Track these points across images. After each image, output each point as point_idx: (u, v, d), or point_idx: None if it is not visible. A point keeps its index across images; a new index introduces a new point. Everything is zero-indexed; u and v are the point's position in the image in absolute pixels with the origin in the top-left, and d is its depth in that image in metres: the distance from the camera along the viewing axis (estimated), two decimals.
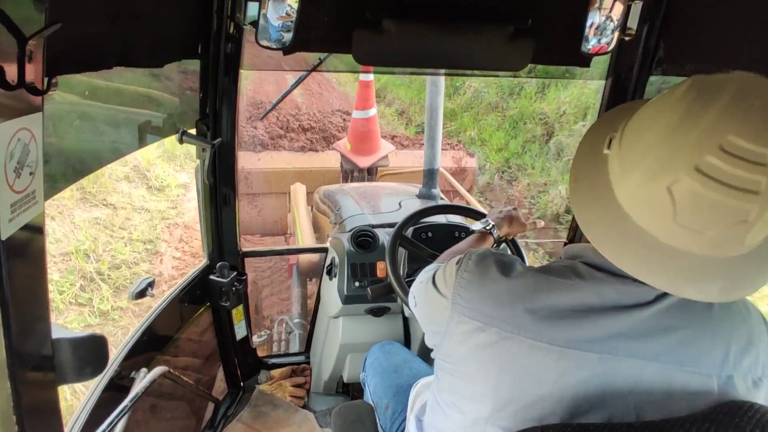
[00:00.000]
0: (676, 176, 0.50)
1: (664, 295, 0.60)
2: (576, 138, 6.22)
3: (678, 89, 0.55)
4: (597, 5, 1.38)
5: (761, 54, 1.12)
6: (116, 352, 1.28)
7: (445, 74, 2.49)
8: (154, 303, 1.49)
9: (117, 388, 1.21)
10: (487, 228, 1.25)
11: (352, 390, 2.07)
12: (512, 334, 0.61)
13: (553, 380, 0.60)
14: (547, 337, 0.60)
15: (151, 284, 1.40)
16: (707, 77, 0.54)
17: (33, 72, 0.55)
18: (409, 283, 1.41)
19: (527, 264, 0.77)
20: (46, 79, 0.59)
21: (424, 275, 0.88)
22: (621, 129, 0.59)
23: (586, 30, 1.39)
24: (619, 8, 1.39)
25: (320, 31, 1.27)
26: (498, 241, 1.27)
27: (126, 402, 1.11)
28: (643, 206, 0.55)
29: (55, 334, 0.67)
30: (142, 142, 1.24)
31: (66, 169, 0.92)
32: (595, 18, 1.40)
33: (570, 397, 0.60)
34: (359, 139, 4.41)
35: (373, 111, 4.41)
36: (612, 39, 1.44)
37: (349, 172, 4.53)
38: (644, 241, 0.55)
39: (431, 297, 0.77)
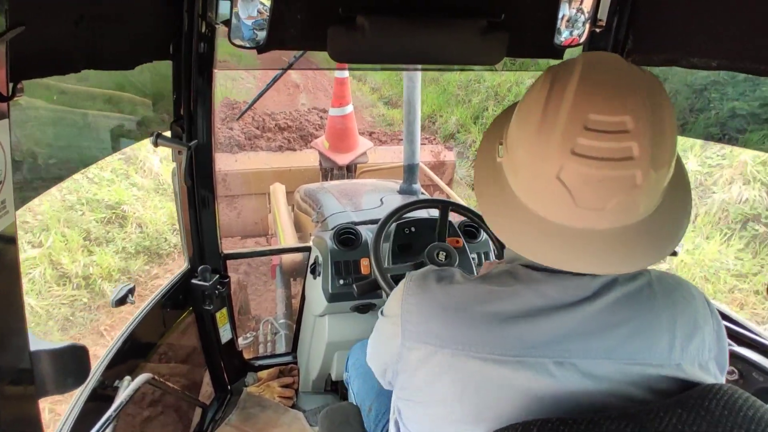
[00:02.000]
0: (560, 164, 0.53)
1: (604, 289, 0.62)
2: None
3: (536, 84, 0.58)
4: None
5: (725, 43, 1.16)
6: (98, 361, 1.25)
7: (422, 69, 2.50)
8: (136, 310, 1.46)
9: (100, 398, 1.19)
10: None
11: (340, 388, 2.07)
12: (464, 352, 0.61)
13: (514, 391, 0.59)
14: (499, 349, 0.60)
15: (131, 291, 1.37)
16: (558, 66, 0.58)
17: None
18: (395, 278, 1.41)
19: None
20: (10, 85, 0.57)
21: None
22: (506, 134, 0.62)
23: (559, 22, 1.42)
24: (589, 0, 1.42)
25: (294, 29, 1.26)
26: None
27: (110, 412, 1.09)
28: (545, 201, 0.57)
29: (33, 346, 0.65)
30: (116, 147, 1.21)
31: (37, 176, 0.89)
32: (566, 10, 1.42)
33: (536, 406, 0.59)
34: (337, 137, 4.40)
35: (349, 108, 4.40)
36: (583, 31, 1.47)
37: (329, 170, 4.51)
38: (556, 232, 0.57)
39: (381, 330, 0.75)
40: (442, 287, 0.66)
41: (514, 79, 7.38)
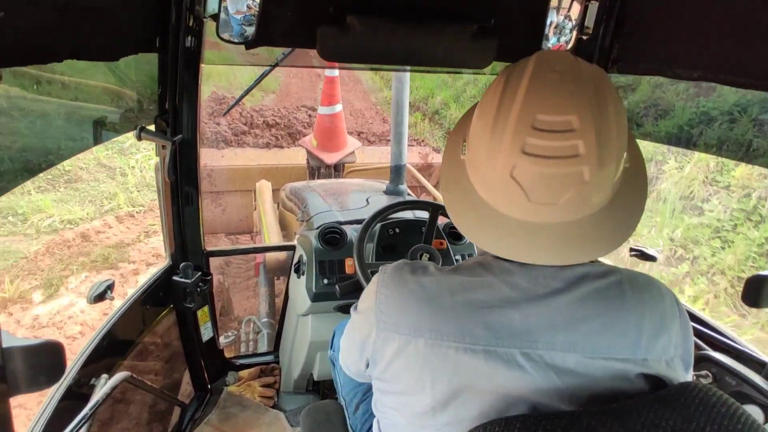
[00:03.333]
0: (513, 162, 0.55)
1: (574, 284, 0.63)
2: None
3: (493, 84, 0.61)
4: (556, 5, 1.42)
5: (708, 54, 1.19)
6: (75, 358, 1.22)
7: (410, 71, 2.50)
8: (114, 306, 1.44)
9: (76, 396, 1.16)
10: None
11: (322, 388, 2.06)
12: (437, 341, 0.62)
13: (484, 380, 0.61)
14: (470, 338, 0.61)
15: (110, 287, 1.35)
16: (513, 66, 0.61)
17: None
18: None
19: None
20: None
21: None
22: (467, 133, 0.65)
23: (547, 29, 1.44)
24: (576, 8, 1.44)
25: (284, 25, 1.25)
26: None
27: (86, 410, 1.06)
28: (501, 197, 0.60)
29: (6, 342, 0.63)
30: (97, 139, 1.19)
31: (15, 167, 0.87)
32: (554, 17, 1.44)
33: (504, 393, 0.61)
34: (325, 136, 4.39)
35: (339, 107, 4.39)
36: (571, 38, 1.49)
37: (316, 169, 4.50)
38: (515, 226, 0.60)
39: (354, 326, 0.76)
40: (416, 278, 0.67)
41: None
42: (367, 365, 0.74)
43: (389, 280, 0.69)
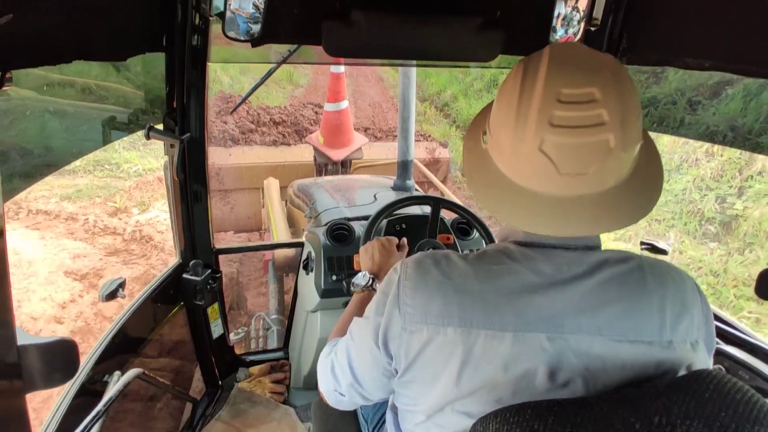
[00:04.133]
0: (541, 137, 0.57)
1: (596, 268, 0.65)
2: None
3: (511, 74, 0.64)
4: None
5: (719, 44, 1.17)
6: (87, 355, 1.24)
7: (416, 65, 2.49)
8: (126, 304, 1.45)
9: (90, 392, 1.18)
10: (368, 285, 1.11)
11: None
12: (466, 329, 0.63)
13: (510, 364, 0.62)
14: (498, 324, 0.62)
15: (121, 285, 1.36)
16: (529, 57, 0.64)
17: None
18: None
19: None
20: None
21: (333, 352, 0.85)
22: (487, 124, 0.67)
23: (554, 20, 1.42)
24: None
25: (289, 22, 1.25)
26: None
27: (99, 407, 1.08)
28: (531, 174, 0.61)
29: (21, 340, 0.64)
30: (106, 139, 1.20)
31: (26, 168, 0.88)
32: (561, 8, 1.42)
33: (528, 378, 0.62)
34: (332, 132, 4.39)
35: (345, 103, 4.38)
36: (578, 29, 1.47)
37: (323, 166, 4.50)
38: (545, 202, 0.61)
39: (374, 330, 0.73)
40: (440, 268, 0.68)
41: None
42: (391, 359, 0.72)
43: (412, 272, 0.69)
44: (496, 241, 0.77)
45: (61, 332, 3.39)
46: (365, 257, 1.20)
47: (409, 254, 1.50)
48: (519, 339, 0.62)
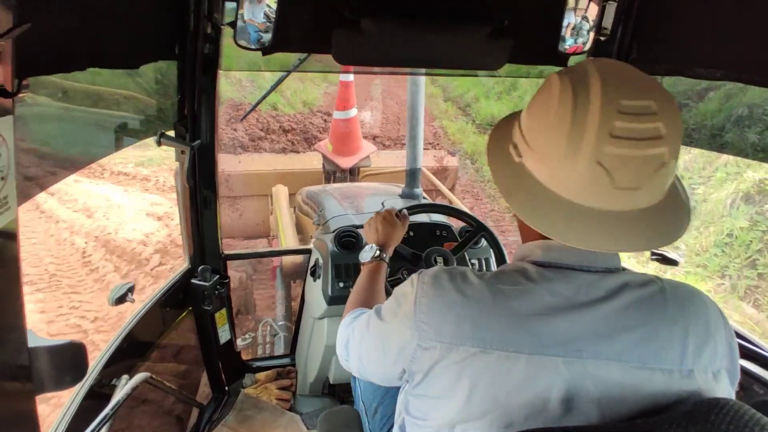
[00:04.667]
0: (600, 148, 0.56)
1: (616, 292, 0.63)
2: None
3: (551, 88, 0.62)
4: (573, 5, 1.40)
5: (729, 53, 1.16)
6: (96, 359, 1.25)
7: (426, 74, 2.50)
8: (135, 308, 1.46)
9: (98, 396, 1.18)
10: (375, 256, 1.16)
11: (338, 391, 2.06)
12: (480, 349, 0.62)
13: (523, 387, 0.60)
14: (513, 346, 0.61)
15: (131, 289, 1.37)
16: (566, 72, 0.63)
17: (2, 74, 0.54)
18: (392, 283, 1.41)
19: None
20: (16, 81, 0.57)
21: (350, 329, 0.86)
22: (519, 137, 0.66)
23: (563, 30, 1.42)
24: (594, 9, 1.43)
25: (300, 31, 1.27)
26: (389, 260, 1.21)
27: (107, 410, 1.08)
28: (584, 188, 0.59)
29: (32, 342, 0.65)
30: (118, 145, 1.22)
31: (40, 173, 0.90)
32: (571, 18, 1.43)
33: (541, 402, 0.60)
34: (340, 140, 4.41)
35: (354, 111, 4.41)
36: (588, 39, 1.47)
37: (331, 173, 4.52)
38: (594, 216, 0.60)
39: (385, 335, 0.74)
40: (455, 285, 0.67)
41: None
42: (402, 373, 0.72)
43: (428, 289, 0.68)
44: (506, 252, 0.77)
45: (148, 252, 4.77)
46: (369, 231, 1.26)
47: (416, 261, 1.51)
48: (533, 361, 0.60)
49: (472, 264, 1.72)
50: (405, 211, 1.31)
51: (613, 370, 0.60)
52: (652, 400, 0.60)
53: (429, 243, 1.58)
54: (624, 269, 0.68)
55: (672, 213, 0.63)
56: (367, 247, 1.20)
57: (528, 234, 0.74)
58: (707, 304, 0.66)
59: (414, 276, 0.72)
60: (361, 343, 0.82)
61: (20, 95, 0.60)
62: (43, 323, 3.80)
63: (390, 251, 1.22)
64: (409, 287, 0.71)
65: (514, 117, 0.74)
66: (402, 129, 8.46)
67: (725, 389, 0.64)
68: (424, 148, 3.03)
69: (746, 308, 4.15)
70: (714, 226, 4.89)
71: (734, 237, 4.60)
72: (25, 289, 0.65)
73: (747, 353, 1.27)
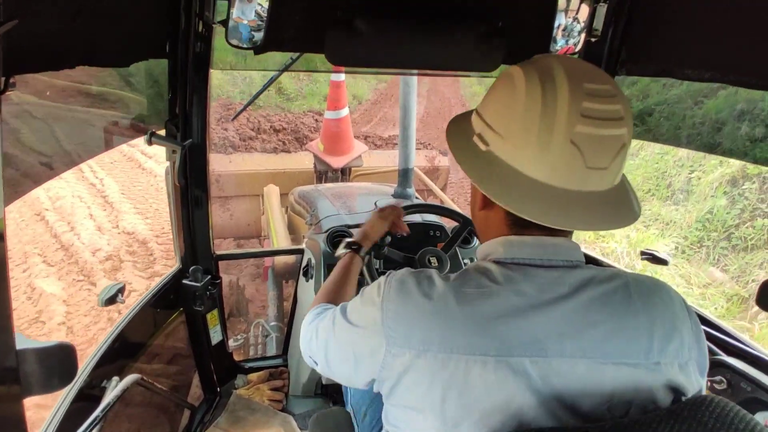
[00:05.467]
0: (572, 128, 0.59)
1: (580, 288, 0.64)
2: None
3: (512, 80, 0.66)
4: (564, 7, 1.41)
5: (718, 55, 1.18)
6: (86, 361, 1.23)
7: (418, 74, 2.51)
8: (125, 310, 1.45)
9: (88, 398, 1.17)
10: (347, 246, 1.17)
11: (330, 392, 2.06)
12: (447, 355, 0.61)
13: (494, 392, 0.60)
14: (480, 350, 0.60)
15: (121, 290, 1.36)
16: (525, 64, 0.67)
17: None
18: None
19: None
20: (3, 79, 0.57)
21: (314, 325, 0.84)
22: (483, 127, 0.68)
23: (555, 31, 1.43)
24: (585, 10, 1.44)
25: (292, 30, 1.26)
26: (369, 251, 1.22)
27: (97, 412, 1.07)
28: (558, 168, 0.62)
29: (20, 344, 0.64)
30: (108, 144, 1.20)
31: (28, 172, 0.88)
32: (562, 19, 1.44)
33: (515, 406, 0.60)
34: (332, 140, 4.40)
35: (345, 111, 4.40)
36: (579, 40, 1.48)
37: (323, 173, 4.51)
38: (565, 197, 0.62)
39: (352, 339, 0.72)
40: (421, 290, 0.66)
41: None
42: (371, 382, 0.71)
43: (394, 294, 0.67)
44: (476, 258, 0.76)
45: None
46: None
47: (411, 262, 1.51)
48: (501, 364, 0.60)
49: (465, 263, 1.72)
50: (398, 203, 1.32)
51: (579, 367, 0.60)
52: (619, 394, 0.61)
53: (422, 244, 1.58)
54: (587, 264, 0.69)
55: (626, 196, 0.67)
56: (342, 243, 1.19)
57: (488, 231, 0.75)
58: (672, 297, 0.67)
59: (381, 279, 0.71)
60: (327, 344, 0.79)
61: (7, 93, 0.59)
62: None
63: (366, 245, 1.20)
64: (376, 292, 0.70)
65: (467, 114, 0.77)
66: (441, 123, 9.33)
67: (694, 381, 0.64)
68: (416, 148, 3.03)
69: (715, 272, 4.84)
70: (699, 204, 5.52)
71: (713, 214, 5.27)
72: None
73: (735, 351, 1.28)
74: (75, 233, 4.88)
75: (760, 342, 3.77)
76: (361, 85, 11.60)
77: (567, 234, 0.70)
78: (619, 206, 0.65)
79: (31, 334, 3.44)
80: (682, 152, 6.31)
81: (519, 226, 0.68)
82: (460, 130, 0.75)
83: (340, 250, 1.17)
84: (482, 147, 0.68)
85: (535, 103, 0.61)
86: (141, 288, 3.97)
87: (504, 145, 0.65)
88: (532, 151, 0.62)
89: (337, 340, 0.76)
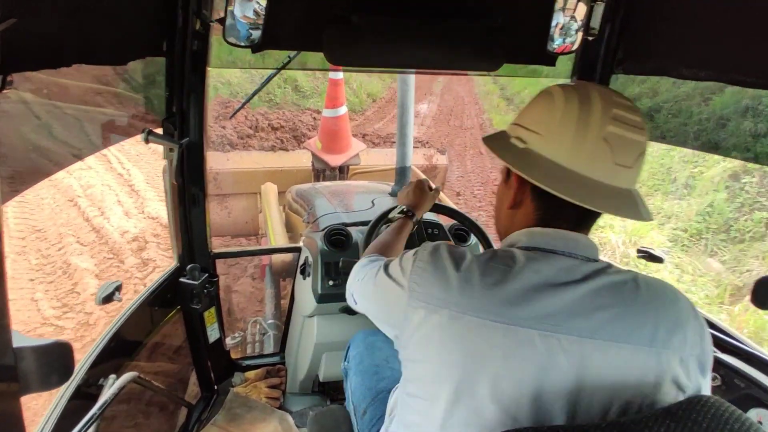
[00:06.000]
0: (605, 127, 0.68)
1: (592, 275, 0.69)
2: None
3: (551, 96, 0.74)
4: (562, 6, 1.42)
5: (715, 54, 1.18)
6: (83, 359, 1.23)
7: (416, 72, 2.51)
8: (123, 307, 1.45)
9: (85, 396, 1.17)
10: (402, 211, 1.31)
11: (328, 389, 2.06)
12: (461, 314, 0.67)
13: (500, 357, 0.64)
14: (493, 315, 0.65)
15: (118, 288, 1.36)
16: (565, 85, 0.75)
17: None
18: None
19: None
20: (0, 77, 0.57)
21: (364, 270, 0.96)
22: (522, 131, 0.76)
23: (552, 30, 1.43)
24: (582, 9, 1.44)
25: (290, 29, 1.26)
26: (418, 222, 1.35)
27: (94, 410, 1.07)
28: (591, 161, 0.70)
29: (17, 342, 0.64)
30: (106, 142, 1.20)
31: (25, 170, 0.88)
32: (560, 18, 1.44)
33: (518, 375, 0.64)
34: (330, 138, 4.39)
35: (343, 109, 4.40)
36: (576, 39, 1.49)
37: (321, 171, 4.50)
38: (594, 186, 0.70)
39: (386, 288, 0.81)
40: (452, 257, 0.73)
41: None
42: (394, 333, 0.79)
43: (428, 255, 0.75)
44: (494, 246, 0.81)
45: None
46: (402, 195, 1.38)
47: None
48: (511, 332, 0.64)
49: None
50: (440, 186, 1.41)
51: (587, 347, 0.64)
52: (623, 375, 0.64)
53: (419, 241, 1.58)
54: (606, 262, 0.74)
55: (640, 200, 0.74)
56: (397, 207, 1.34)
57: (512, 228, 0.81)
58: (678, 297, 0.70)
59: (420, 246, 0.80)
60: (370, 288, 0.90)
61: (5, 91, 0.59)
62: None
63: (419, 213, 1.34)
64: (412, 253, 0.79)
65: (500, 131, 0.85)
66: (453, 120, 10.28)
67: (693, 378, 0.67)
68: (414, 147, 3.03)
69: (713, 263, 4.99)
70: (700, 198, 5.78)
71: (714, 207, 5.52)
72: None
73: (729, 348, 1.30)
74: (105, 217, 5.32)
75: (735, 323, 3.93)
76: (375, 84, 11.90)
77: (587, 232, 0.76)
78: (636, 204, 0.72)
79: (68, 302, 3.89)
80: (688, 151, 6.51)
81: (544, 223, 0.75)
82: (496, 137, 0.83)
83: (395, 214, 1.32)
84: (520, 145, 0.76)
85: (573, 108, 0.70)
86: (164, 265, 4.33)
87: (541, 140, 0.73)
88: (568, 145, 0.70)
89: (377, 289, 0.86)
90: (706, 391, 0.69)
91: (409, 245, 1.58)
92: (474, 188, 7.03)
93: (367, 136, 6.83)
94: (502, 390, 0.64)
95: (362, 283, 0.95)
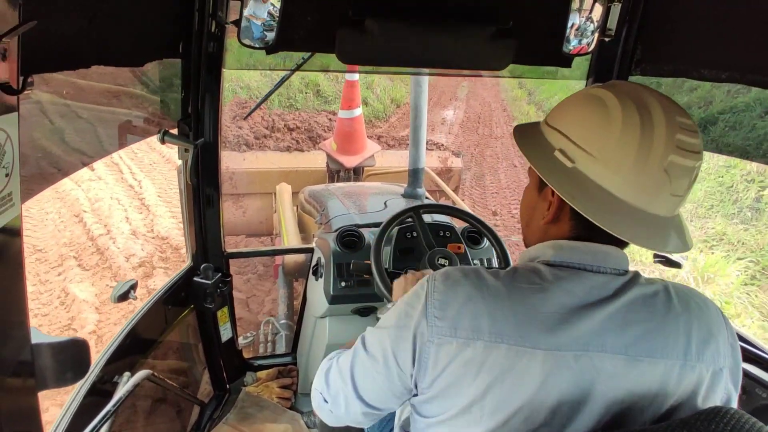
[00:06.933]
0: (667, 157, 0.62)
1: (622, 290, 0.66)
2: None
3: (606, 106, 0.66)
4: (578, 7, 1.40)
5: (735, 55, 1.16)
6: (98, 356, 1.25)
7: (429, 74, 2.50)
8: (137, 306, 1.47)
9: (100, 392, 1.19)
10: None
11: None
12: (496, 344, 0.63)
13: (538, 383, 0.62)
14: (529, 342, 0.62)
15: (133, 287, 1.38)
16: (617, 91, 0.67)
17: (7, 71, 0.54)
18: (391, 276, 1.39)
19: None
20: (21, 78, 0.58)
21: (333, 369, 0.82)
22: (568, 144, 0.68)
23: (568, 31, 1.42)
24: (598, 10, 1.42)
25: (304, 30, 1.27)
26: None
27: (109, 407, 1.09)
28: (646, 192, 0.64)
29: (35, 339, 0.66)
30: (122, 143, 1.22)
31: (44, 170, 0.90)
32: (575, 19, 1.42)
33: (555, 399, 0.62)
34: (345, 139, 4.41)
35: (358, 111, 4.41)
36: (592, 40, 1.47)
37: (335, 172, 4.52)
38: (653, 220, 0.65)
39: (384, 346, 0.72)
40: (471, 281, 0.67)
41: None
42: (410, 379, 0.70)
43: (440, 285, 0.68)
44: (509, 254, 0.77)
45: None
46: (399, 288, 1.17)
47: (417, 264, 1.50)
48: (549, 358, 0.62)
49: (475, 263, 1.72)
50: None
51: (620, 363, 0.62)
52: (656, 390, 0.63)
53: (432, 244, 1.57)
54: (635, 273, 0.71)
55: (684, 224, 0.70)
56: (390, 304, 1.21)
57: (533, 236, 0.76)
58: (709, 306, 0.69)
59: (423, 280, 0.72)
60: (352, 364, 0.78)
61: (25, 92, 0.60)
62: None
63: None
64: (420, 288, 0.71)
65: (533, 125, 0.77)
66: (482, 128, 10.17)
67: (725, 387, 0.66)
68: (430, 149, 3.02)
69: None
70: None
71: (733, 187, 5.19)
72: None
73: (749, 356, 1.26)
74: (111, 237, 4.90)
75: None
76: (399, 89, 11.69)
77: (619, 243, 0.70)
78: (680, 233, 0.68)
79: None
80: (752, 165, 6.11)
81: (576, 237, 0.70)
82: (534, 142, 0.75)
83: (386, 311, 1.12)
84: (567, 164, 0.68)
85: (634, 131, 0.63)
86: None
87: (594, 163, 0.66)
88: (625, 174, 0.64)
89: (369, 355, 0.75)
90: (734, 402, 0.68)
91: (418, 250, 1.58)
92: (511, 206, 6.65)
93: (382, 138, 6.84)
94: (538, 412, 0.62)
95: (339, 372, 0.80)
